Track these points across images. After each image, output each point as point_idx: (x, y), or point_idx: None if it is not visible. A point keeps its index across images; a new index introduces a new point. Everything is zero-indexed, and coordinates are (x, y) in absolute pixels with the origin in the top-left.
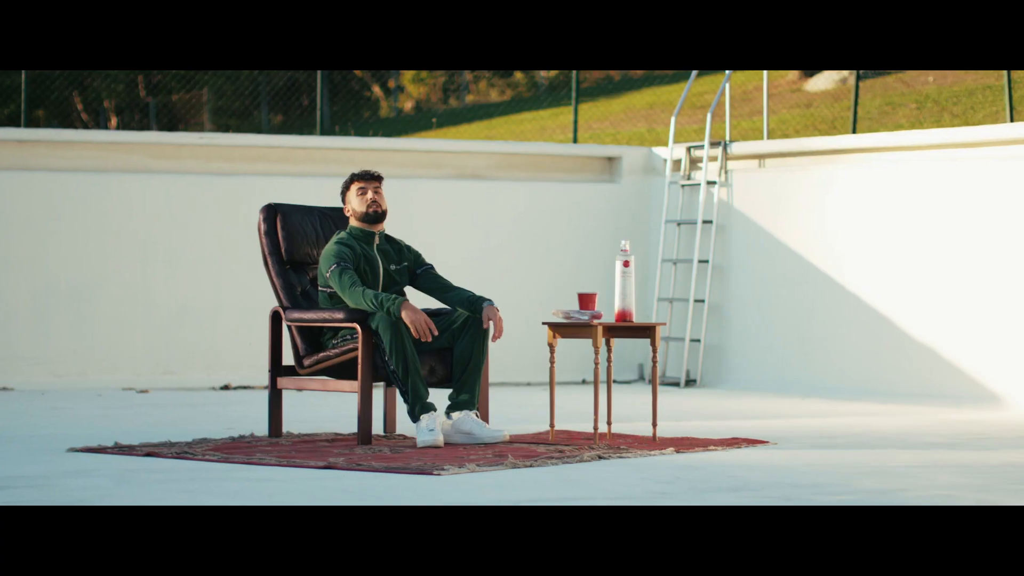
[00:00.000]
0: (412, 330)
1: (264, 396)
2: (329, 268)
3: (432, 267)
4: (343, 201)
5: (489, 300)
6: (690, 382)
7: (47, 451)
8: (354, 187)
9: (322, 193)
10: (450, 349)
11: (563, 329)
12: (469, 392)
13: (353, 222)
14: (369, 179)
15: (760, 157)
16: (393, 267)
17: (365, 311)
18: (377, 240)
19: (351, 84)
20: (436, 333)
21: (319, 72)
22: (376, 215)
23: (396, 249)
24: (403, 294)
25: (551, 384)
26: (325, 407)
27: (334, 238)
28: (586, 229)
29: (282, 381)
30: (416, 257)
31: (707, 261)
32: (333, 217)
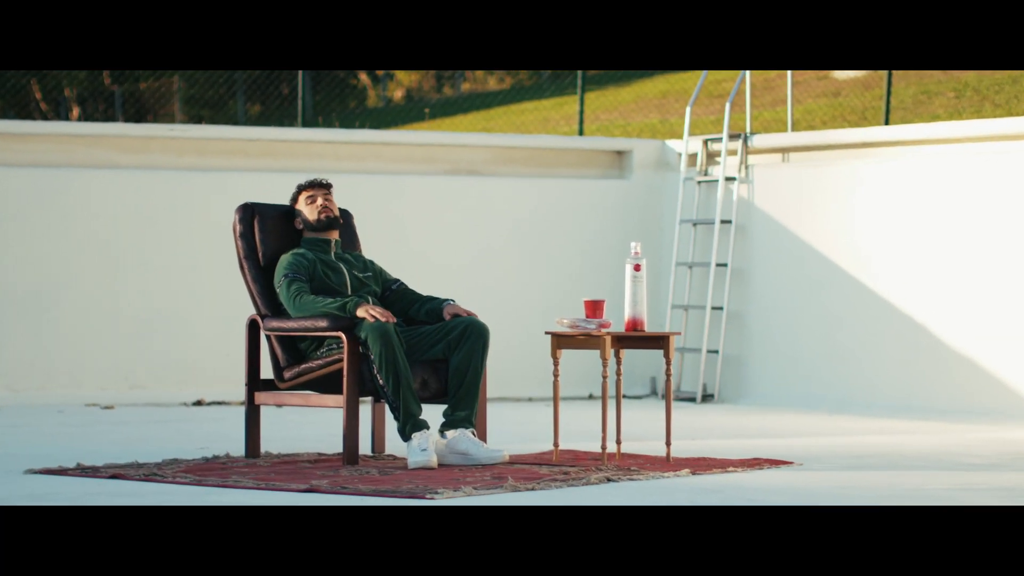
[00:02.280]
0: (380, 317)
1: (240, 412)
2: (278, 282)
3: (403, 282)
4: (294, 213)
5: (451, 299)
6: (707, 397)
7: (3, 472)
8: (303, 197)
9: None
10: (445, 361)
11: (568, 339)
12: (466, 408)
13: (306, 234)
14: (317, 187)
15: (784, 151)
16: (358, 273)
17: (349, 318)
18: (334, 248)
19: (335, 71)
20: (394, 320)
21: None
22: (329, 220)
23: (356, 257)
24: (375, 296)
25: (555, 399)
26: (307, 424)
27: (288, 252)
28: (593, 229)
29: (260, 396)
30: (381, 271)
31: (725, 265)
32: None
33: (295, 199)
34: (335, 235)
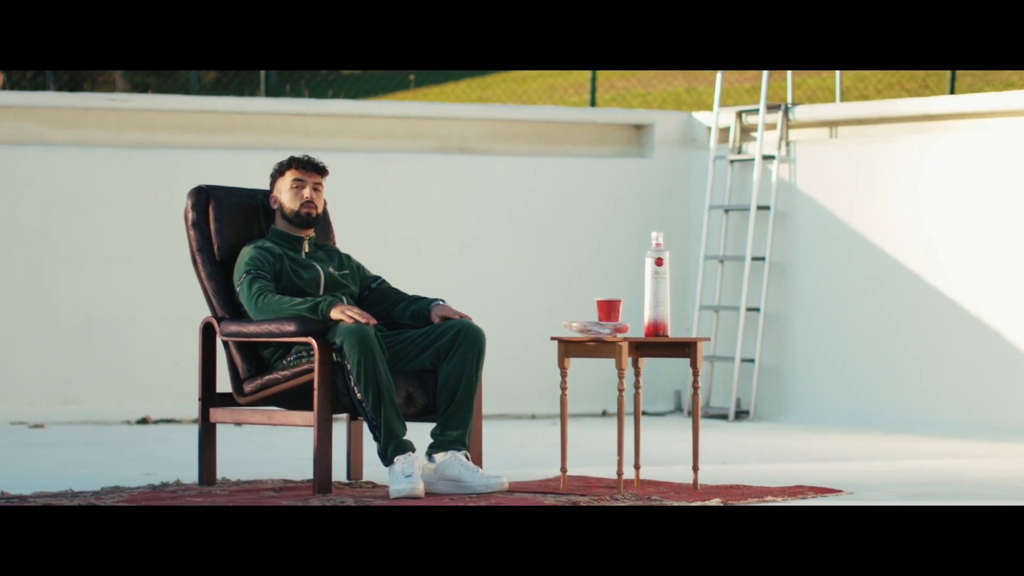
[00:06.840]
0: (359, 319)
1: (193, 432)
2: (239, 279)
3: (384, 280)
4: (271, 187)
5: (440, 299)
6: (741, 414)
7: None
8: (289, 176)
9: (266, 171)
10: (433, 371)
11: (578, 346)
12: (458, 428)
13: (278, 219)
14: (310, 170)
15: (831, 124)
16: (334, 271)
17: (321, 321)
18: (306, 247)
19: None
20: (374, 323)
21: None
22: (308, 218)
23: (330, 252)
24: (353, 297)
25: (562, 417)
26: (272, 446)
27: (250, 244)
28: (607, 217)
29: (216, 413)
30: (359, 268)
31: (763, 258)
32: None
33: (280, 173)
34: (310, 233)
